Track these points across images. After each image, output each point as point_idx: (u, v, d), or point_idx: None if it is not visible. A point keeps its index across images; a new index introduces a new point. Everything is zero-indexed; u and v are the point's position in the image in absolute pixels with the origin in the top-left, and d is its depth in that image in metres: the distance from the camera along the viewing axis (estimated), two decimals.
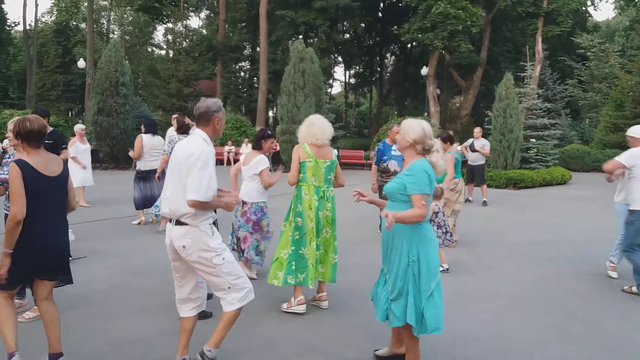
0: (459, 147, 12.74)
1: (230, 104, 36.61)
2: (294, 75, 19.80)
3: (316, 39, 31.55)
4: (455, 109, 34.82)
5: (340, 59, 43.72)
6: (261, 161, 5.40)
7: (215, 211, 3.50)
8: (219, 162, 21.13)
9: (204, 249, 3.16)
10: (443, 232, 6.12)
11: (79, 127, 10.72)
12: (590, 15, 41.93)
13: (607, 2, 69.23)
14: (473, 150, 12.14)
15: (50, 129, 5.93)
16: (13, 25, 40.42)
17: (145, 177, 8.46)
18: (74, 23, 45.55)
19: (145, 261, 6.29)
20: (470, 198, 12.16)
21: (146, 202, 8.47)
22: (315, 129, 4.50)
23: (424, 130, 3.30)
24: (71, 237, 4.96)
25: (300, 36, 31.08)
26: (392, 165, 7.26)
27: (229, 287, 3.23)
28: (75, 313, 4.47)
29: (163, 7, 31.66)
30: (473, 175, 12.25)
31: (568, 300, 5.18)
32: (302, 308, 4.56)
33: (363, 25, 36.00)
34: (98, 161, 20.11)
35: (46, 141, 3.57)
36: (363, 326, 4.27)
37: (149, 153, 8.45)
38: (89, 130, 20.34)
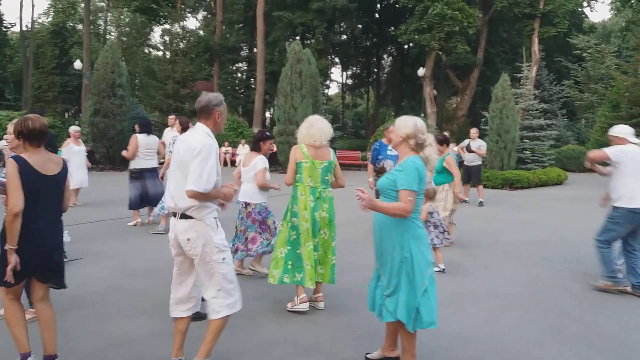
0: (456, 148, 12.79)
1: (227, 105, 35.78)
2: (291, 77, 19.80)
3: (313, 40, 31.55)
4: (452, 110, 34.87)
5: (337, 60, 43.71)
6: (260, 162, 5.44)
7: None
8: None
9: (208, 242, 3.16)
10: (440, 232, 6.13)
11: (73, 129, 10.71)
12: (586, 16, 42.06)
13: (603, 3, 69.53)
14: (469, 151, 12.17)
15: None
16: (9, 26, 40.39)
17: (138, 176, 8.46)
18: (71, 24, 45.48)
19: (141, 262, 6.28)
20: (466, 199, 12.16)
21: (141, 201, 8.47)
22: (314, 130, 4.51)
23: (417, 125, 3.32)
24: (67, 238, 4.97)
25: (298, 37, 31.07)
26: (388, 164, 7.28)
27: (218, 290, 3.20)
28: (70, 314, 4.45)
29: (160, 8, 31.65)
30: (469, 175, 12.27)
31: (564, 300, 5.20)
32: (305, 306, 4.58)
33: (360, 26, 36.07)
34: (94, 162, 20.05)
35: None
36: (360, 326, 4.28)
37: (143, 153, 8.45)
38: (85, 131, 20.31)
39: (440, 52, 28.50)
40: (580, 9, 36.82)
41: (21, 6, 37.01)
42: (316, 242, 4.52)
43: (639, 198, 5.28)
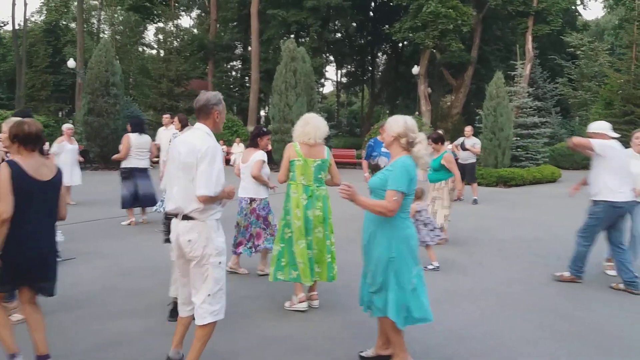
0: (450, 146, 12.81)
1: None
2: (286, 75, 19.77)
3: (308, 38, 31.55)
4: (447, 108, 34.92)
5: (331, 58, 43.75)
6: (258, 155, 5.46)
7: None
8: None
9: (208, 244, 3.15)
10: (430, 230, 6.14)
11: (66, 127, 10.68)
12: (579, 14, 42.20)
13: (596, 1, 69.77)
14: (464, 148, 12.20)
15: None
16: (2, 25, 40.14)
17: (128, 175, 8.44)
18: (64, 23, 45.24)
19: (136, 262, 6.25)
20: (461, 197, 12.19)
21: (134, 200, 8.46)
22: (309, 128, 4.49)
23: (407, 124, 3.35)
24: (60, 238, 4.94)
25: (292, 35, 31.04)
26: (382, 161, 7.30)
27: (208, 295, 3.17)
28: (64, 314, 4.44)
29: (154, 7, 31.48)
30: (464, 173, 12.27)
31: (558, 298, 5.22)
32: (303, 306, 4.58)
33: (354, 24, 36.04)
34: (88, 161, 19.96)
35: None
36: (354, 325, 4.28)
37: (135, 152, 8.44)
38: (79, 130, 20.21)
39: (434, 50, 28.53)
40: (573, 7, 36.96)
41: (13, 4, 36.72)
42: (309, 240, 4.50)
43: (618, 193, 5.35)
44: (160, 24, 34.20)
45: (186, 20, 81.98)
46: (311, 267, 4.52)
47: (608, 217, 5.44)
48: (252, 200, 5.55)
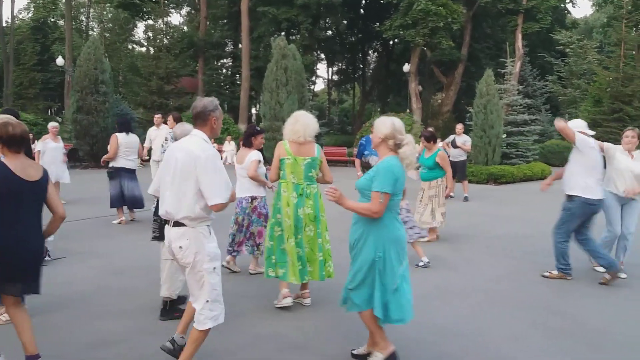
0: (441, 144, 12.85)
1: None
2: (277, 72, 19.74)
3: (298, 36, 31.48)
4: (437, 106, 35.06)
5: (322, 55, 43.70)
6: (253, 155, 5.47)
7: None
8: None
9: (200, 250, 3.15)
10: (409, 228, 6.15)
11: (51, 125, 10.56)
12: (568, 12, 42.44)
13: None
14: (455, 146, 12.25)
15: None
16: None
17: (114, 175, 8.42)
18: (52, 20, 44.87)
19: (127, 261, 6.23)
20: (451, 194, 12.25)
21: (121, 199, 8.43)
22: (298, 125, 4.48)
23: (394, 126, 3.38)
24: (50, 237, 4.91)
25: (283, 33, 30.95)
26: (373, 160, 7.32)
27: (207, 301, 3.18)
28: (56, 314, 4.42)
29: (143, 4, 31.29)
30: (455, 171, 12.30)
31: (547, 294, 5.26)
32: (287, 302, 4.57)
33: (345, 22, 36.00)
34: (78, 160, 19.82)
35: None
36: (345, 323, 4.29)
37: (123, 152, 8.40)
38: (68, 128, 20.05)
39: (425, 48, 28.60)
40: (562, 5, 37.18)
41: (0, 2, 36.33)
42: (300, 239, 4.49)
43: (592, 190, 5.45)
44: (150, 22, 33.97)
45: (176, 18, 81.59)
46: (302, 266, 4.51)
47: (582, 214, 5.54)
48: (253, 198, 5.56)
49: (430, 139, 7.69)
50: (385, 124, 3.40)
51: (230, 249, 5.68)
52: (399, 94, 42.36)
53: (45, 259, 5.85)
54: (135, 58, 39.65)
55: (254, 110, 42.33)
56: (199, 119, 3.28)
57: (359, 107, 43.33)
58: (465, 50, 30.47)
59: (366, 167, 7.43)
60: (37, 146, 9.99)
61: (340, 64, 47.60)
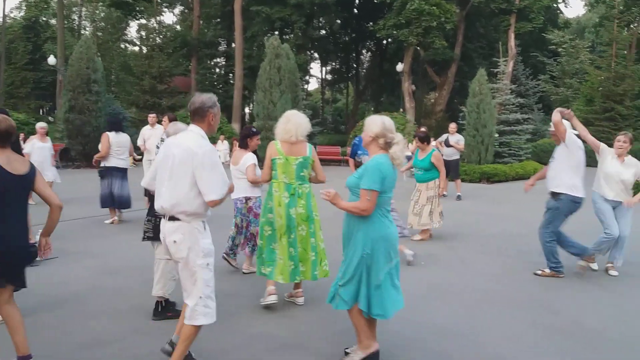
0: (434, 143, 12.88)
1: None
2: (270, 72, 19.71)
3: (292, 35, 31.45)
4: (430, 105, 35.12)
5: (316, 55, 43.66)
6: (249, 158, 5.44)
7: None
8: None
9: (193, 246, 3.14)
10: None
11: (39, 125, 10.48)
12: (561, 12, 42.64)
13: None
14: (448, 145, 12.29)
15: None
16: None
17: (105, 174, 8.38)
18: (44, 19, 44.56)
19: (119, 261, 6.20)
20: (445, 193, 12.28)
21: (111, 200, 8.38)
22: (290, 125, 4.46)
23: (384, 124, 3.41)
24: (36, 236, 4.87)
25: (276, 32, 30.87)
26: (365, 160, 7.32)
27: (200, 297, 3.17)
28: (48, 314, 4.39)
29: (136, 3, 31.12)
30: (448, 169, 12.33)
31: (540, 293, 5.28)
32: (270, 299, 4.57)
33: (339, 21, 36.01)
34: (70, 159, 19.71)
35: None
36: (338, 322, 4.28)
37: (114, 151, 8.37)
38: (60, 128, 19.92)
39: (418, 48, 28.64)
40: (555, 5, 37.34)
41: None
42: (292, 238, 4.48)
43: (578, 188, 5.55)
44: (143, 21, 33.83)
45: (169, 17, 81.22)
46: (295, 266, 4.50)
47: (569, 211, 5.64)
48: (247, 199, 5.54)
49: (425, 139, 7.72)
50: (375, 123, 3.42)
51: (230, 252, 5.71)
52: (392, 94, 42.41)
53: (37, 258, 5.82)
54: (127, 57, 39.47)
55: (247, 110, 42.22)
56: (197, 115, 3.27)
57: (352, 107, 43.35)
58: (459, 49, 30.55)
59: (359, 166, 7.43)
60: (25, 148, 9.86)
61: (333, 64, 47.60)
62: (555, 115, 5.55)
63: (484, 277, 5.79)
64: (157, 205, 3.26)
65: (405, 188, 10.81)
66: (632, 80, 24.23)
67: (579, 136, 5.73)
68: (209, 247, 3.22)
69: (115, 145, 8.37)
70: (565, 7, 63.60)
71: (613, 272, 5.91)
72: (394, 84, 38.45)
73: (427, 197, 7.52)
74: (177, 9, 46.57)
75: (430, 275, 5.83)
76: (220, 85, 37.23)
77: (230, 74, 35.87)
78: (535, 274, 5.85)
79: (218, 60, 40.49)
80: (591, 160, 5.85)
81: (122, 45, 48.01)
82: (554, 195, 5.65)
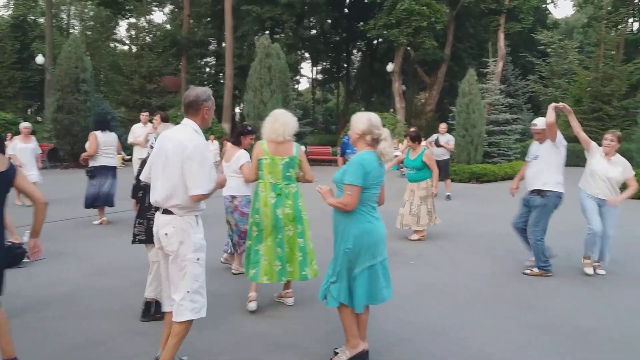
0: (424, 143, 12.92)
1: None
2: (260, 71, 19.67)
3: (282, 35, 31.37)
4: (421, 105, 35.20)
5: (307, 54, 43.62)
6: (242, 156, 5.41)
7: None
8: None
9: (185, 240, 3.13)
10: None
11: (22, 125, 10.38)
12: (550, 13, 42.99)
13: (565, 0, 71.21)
14: (438, 145, 12.33)
15: None
16: None
17: (94, 174, 8.32)
18: (32, 17, 44.11)
19: (108, 262, 6.16)
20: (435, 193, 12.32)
21: (96, 199, 8.33)
22: (278, 124, 4.44)
23: (371, 121, 3.44)
24: (26, 238, 4.82)
25: (267, 32, 30.82)
26: None
27: (187, 292, 3.14)
28: (36, 315, 4.36)
29: (125, 2, 30.92)
30: (438, 169, 12.41)
31: (529, 292, 5.32)
32: (251, 306, 4.55)
33: (329, 21, 35.98)
34: (58, 160, 19.53)
35: None
36: (329, 321, 4.28)
37: (102, 150, 8.30)
38: (49, 128, 19.73)
39: (408, 48, 28.70)
40: (544, 5, 37.63)
41: None
42: (279, 239, 4.46)
43: (562, 184, 5.69)
44: (132, 20, 33.59)
45: (159, 16, 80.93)
46: (282, 266, 4.48)
47: (554, 207, 5.73)
48: (233, 197, 5.51)
49: (416, 138, 7.74)
50: (361, 120, 3.45)
51: (232, 250, 5.73)
52: (382, 94, 42.49)
53: (24, 260, 5.77)
54: (117, 56, 39.15)
55: (237, 110, 42.11)
56: (191, 109, 3.25)
57: (343, 107, 43.35)
58: (449, 50, 30.67)
59: None
60: (8, 150, 9.73)
61: (324, 63, 47.57)
62: (551, 115, 5.54)
63: (474, 277, 5.82)
64: (152, 199, 3.25)
65: (397, 188, 10.84)
66: (619, 80, 24.46)
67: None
68: (200, 242, 3.20)
69: (103, 145, 8.30)
70: (554, 7, 64.25)
71: (600, 271, 5.97)
72: (385, 84, 38.53)
73: (420, 197, 7.54)
74: (167, 8, 46.35)
75: (420, 274, 5.85)
76: (211, 85, 37.02)
77: (221, 74, 35.71)
78: (524, 274, 5.89)
79: (208, 59, 40.31)
80: (579, 160, 5.91)
81: (112, 45, 47.69)
82: (541, 192, 5.69)
